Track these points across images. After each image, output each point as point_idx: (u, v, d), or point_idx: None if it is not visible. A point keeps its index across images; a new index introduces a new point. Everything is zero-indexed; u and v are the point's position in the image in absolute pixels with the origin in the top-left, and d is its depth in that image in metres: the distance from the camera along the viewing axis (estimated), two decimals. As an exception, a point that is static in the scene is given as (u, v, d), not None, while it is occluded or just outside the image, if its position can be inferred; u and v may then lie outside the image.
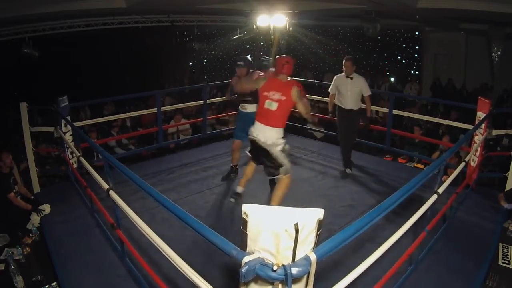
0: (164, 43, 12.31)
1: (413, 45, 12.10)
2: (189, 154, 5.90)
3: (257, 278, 1.37)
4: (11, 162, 4.09)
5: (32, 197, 4.31)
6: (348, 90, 4.65)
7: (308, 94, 7.15)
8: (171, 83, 12.60)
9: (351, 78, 4.62)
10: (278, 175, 3.48)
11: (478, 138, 4.19)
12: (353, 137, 4.93)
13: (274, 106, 3.36)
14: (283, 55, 3.57)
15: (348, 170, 4.84)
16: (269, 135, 3.38)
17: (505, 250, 3.13)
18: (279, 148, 3.40)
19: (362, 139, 5.52)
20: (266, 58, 4.75)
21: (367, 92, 4.67)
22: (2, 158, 3.99)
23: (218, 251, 1.55)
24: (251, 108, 4.33)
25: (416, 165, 5.84)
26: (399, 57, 12.36)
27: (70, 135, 4.55)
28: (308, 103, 3.59)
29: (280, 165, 3.42)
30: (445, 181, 3.00)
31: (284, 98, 3.35)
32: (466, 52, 11.07)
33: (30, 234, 3.56)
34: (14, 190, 4.01)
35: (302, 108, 3.40)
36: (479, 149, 4.20)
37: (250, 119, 3.76)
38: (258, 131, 3.44)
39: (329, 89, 4.92)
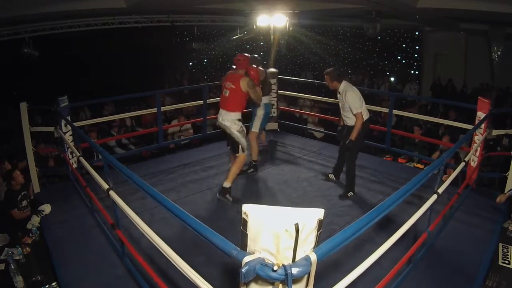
0: (164, 43, 12.30)
1: (413, 45, 12.10)
2: (189, 154, 5.91)
3: (258, 278, 1.37)
4: (23, 179, 4.23)
5: (32, 197, 4.33)
6: (340, 105, 4.30)
7: (308, 94, 7.18)
8: (171, 83, 12.60)
9: (339, 93, 4.19)
10: (238, 152, 4.13)
11: (478, 138, 4.19)
12: (347, 155, 4.31)
13: (227, 93, 4.11)
14: (238, 54, 4.22)
15: (349, 194, 4.23)
16: (226, 117, 4.09)
17: (505, 250, 3.13)
18: (236, 128, 4.08)
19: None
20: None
21: (354, 109, 4.03)
22: (13, 177, 4.15)
23: (218, 251, 1.54)
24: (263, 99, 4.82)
25: (416, 165, 5.84)
26: (399, 57, 12.37)
27: (70, 135, 4.55)
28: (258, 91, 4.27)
29: (238, 143, 4.10)
30: (445, 181, 3.01)
31: (233, 87, 4.06)
32: (466, 52, 11.08)
33: (30, 234, 3.55)
34: (22, 205, 4.10)
35: (252, 95, 4.11)
36: (479, 149, 4.20)
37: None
38: (220, 115, 4.16)
39: None
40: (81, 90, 9.79)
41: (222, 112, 4.13)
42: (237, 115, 4.11)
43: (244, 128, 4.19)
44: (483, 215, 3.84)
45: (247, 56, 4.20)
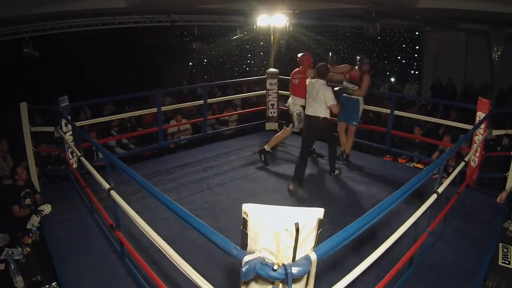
0: (164, 43, 12.31)
1: (413, 45, 12.10)
2: (189, 154, 5.90)
3: (258, 278, 1.37)
4: (26, 176, 4.25)
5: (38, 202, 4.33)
6: None
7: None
8: (172, 82, 12.60)
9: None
10: (288, 126, 5.17)
11: (478, 138, 4.18)
12: None
13: (296, 82, 5.01)
14: (301, 54, 5.17)
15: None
16: (293, 101, 5.07)
17: (505, 250, 3.12)
18: (296, 111, 5.00)
19: (362, 139, 5.54)
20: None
21: None
22: (17, 172, 4.16)
23: (218, 251, 1.55)
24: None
25: (416, 165, 5.83)
26: (399, 57, 12.37)
27: (70, 135, 4.55)
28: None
29: (292, 122, 5.10)
30: (443, 182, 3.00)
31: (302, 76, 4.94)
32: (466, 52, 11.08)
33: (30, 234, 3.55)
34: (25, 203, 4.11)
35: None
36: (479, 149, 4.20)
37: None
38: (290, 99, 5.19)
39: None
40: (81, 90, 9.79)
41: (291, 97, 5.12)
42: (301, 101, 4.93)
43: (302, 115, 4.86)
44: (483, 215, 3.84)
45: (304, 54, 5.13)
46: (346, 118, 5.04)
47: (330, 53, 5.35)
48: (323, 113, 4.37)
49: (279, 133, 5.26)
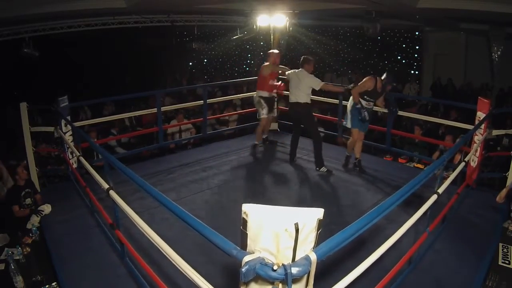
0: (164, 43, 12.31)
1: (413, 45, 12.10)
2: (189, 154, 5.90)
3: (257, 278, 1.37)
4: (26, 175, 4.27)
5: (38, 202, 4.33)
6: None
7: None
8: (172, 82, 12.60)
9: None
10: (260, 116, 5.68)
11: (478, 138, 4.18)
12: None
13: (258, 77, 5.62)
14: (272, 50, 5.66)
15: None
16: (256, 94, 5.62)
17: (505, 250, 3.12)
18: (255, 100, 5.62)
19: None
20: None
21: None
22: (18, 172, 4.18)
23: (218, 251, 1.54)
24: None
25: (416, 165, 5.83)
26: (399, 57, 12.36)
27: (70, 135, 4.55)
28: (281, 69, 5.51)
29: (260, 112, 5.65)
30: (444, 182, 3.00)
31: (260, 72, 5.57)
32: (466, 52, 11.08)
33: (30, 234, 3.55)
34: (25, 203, 4.12)
35: (280, 71, 5.56)
36: (479, 149, 4.19)
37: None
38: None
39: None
40: (81, 90, 9.79)
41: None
42: (259, 92, 5.54)
43: (263, 103, 5.49)
44: (483, 215, 3.83)
45: (271, 51, 5.59)
46: (364, 127, 4.89)
47: (386, 75, 4.86)
48: (304, 99, 4.86)
49: (258, 127, 5.80)
